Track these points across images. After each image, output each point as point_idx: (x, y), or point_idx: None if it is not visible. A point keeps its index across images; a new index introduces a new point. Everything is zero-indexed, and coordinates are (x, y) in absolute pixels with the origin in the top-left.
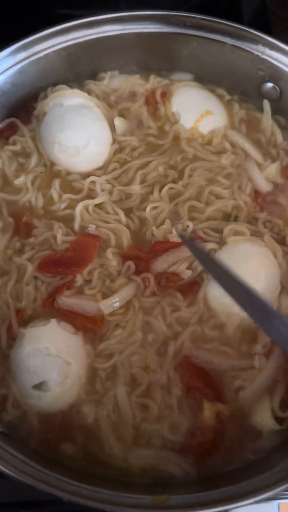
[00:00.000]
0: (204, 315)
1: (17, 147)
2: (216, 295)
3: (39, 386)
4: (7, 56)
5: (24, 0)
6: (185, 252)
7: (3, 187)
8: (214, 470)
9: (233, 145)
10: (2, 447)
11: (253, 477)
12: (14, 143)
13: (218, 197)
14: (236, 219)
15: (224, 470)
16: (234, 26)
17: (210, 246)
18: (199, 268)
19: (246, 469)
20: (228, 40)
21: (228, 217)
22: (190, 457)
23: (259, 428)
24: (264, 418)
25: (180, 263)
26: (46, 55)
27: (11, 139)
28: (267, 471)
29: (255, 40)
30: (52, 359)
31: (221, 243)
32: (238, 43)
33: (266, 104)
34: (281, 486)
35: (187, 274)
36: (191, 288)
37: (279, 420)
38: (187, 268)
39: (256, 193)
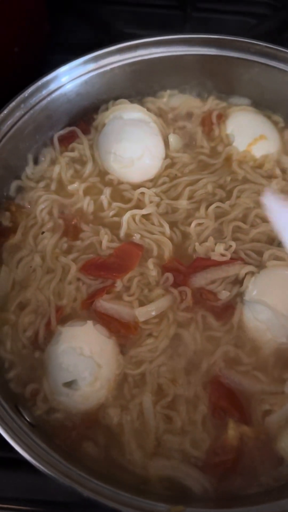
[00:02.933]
0: (238, 338)
1: (75, 154)
2: (251, 319)
3: (69, 384)
4: (78, 66)
5: (97, 20)
6: (225, 272)
7: (57, 191)
8: (232, 490)
9: (283, 171)
10: (30, 437)
11: (270, 502)
12: (72, 150)
13: (264, 220)
14: (280, 244)
15: (242, 492)
16: None
17: (248, 268)
18: (235, 291)
19: (264, 494)
20: None
21: (272, 241)
22: (210, 474)
23: (283, 454)
24: None
25: (218, 282)
26: (112, 69)
27: (70, 146)
28: (285, 499)
29: None
30: (85, 360)
31: (261, 266)
32: None
33: None
34: None
35: (224, 295)
36: (225, 311)
37: None
38: (224, 290)
39: None
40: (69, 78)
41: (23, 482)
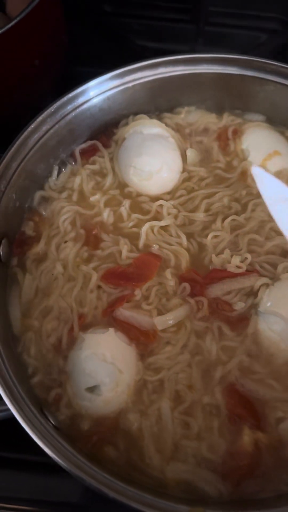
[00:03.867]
0: (253, 348)
1: (96, 167)
2: (265, 329)
3: (91, 390)
4: (104, 81)
5: (111, 33)
6: (240, 283)
7: (79, 201)
8: (246, 495)
9: None
10: (57, 439)
11: (282, 506)
12: (93, 163)
13: (279, 233)
14: None
15: (256, 496)
16: None
17: (263, 280)
18: (249, 302)
19: (277, 499)
20: None
21: (286, 254)
22: (225, 478)
23: None
24: None
25: (234, 293)
26: (133, 86)
27: (91, 159)
28: None
29: None
30: (107, 366)
31: (275, 278)
32: None
33: None
34: None
35: (239, 306)
36: (240, 322)
37: None
38: (240, 301)
39: None
40: (95, 93)
41: (36, 483)
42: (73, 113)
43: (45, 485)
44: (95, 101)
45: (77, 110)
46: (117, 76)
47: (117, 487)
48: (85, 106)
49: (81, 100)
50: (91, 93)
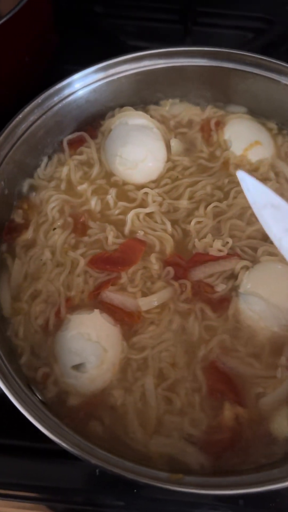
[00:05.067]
0: (234, 328)
1: (83, 157)
2: (245, 310)
3: (77, 367)
4: (89, 74)
5: (102, 33)
6: (222, 266)
7: (67, 190)
8: (227, 467)
9: (277, 175)
10: (43, 412)
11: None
12: (81, 153)
13: None
14: None
15: (236, 468)
16: None
17: (243, 263)
18: (230, 284)
19: (257, 470)
20: (282, 79)
21: (266, 238)
22: (206, 452)
23: (275, 434)
24: (281, 425)
25: (216, 276)
26: (119, 78)
27: (79, 150)
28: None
29: None
30: (92, 345)
31: (255, 261)
32: None
33: None
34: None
35: (221, 288)
36: (221, 303)
37: None
38: (221, 283)
39: None
40: (80, 86)
41: (27, 469)
42: (60, 105)
43: (37, 470)
44: (81, 93)
45: (64, 102)
46: (101, 69)
47: (100, 455)
48: (71, 98)
49: (66, 92)
50: (76, 85)
